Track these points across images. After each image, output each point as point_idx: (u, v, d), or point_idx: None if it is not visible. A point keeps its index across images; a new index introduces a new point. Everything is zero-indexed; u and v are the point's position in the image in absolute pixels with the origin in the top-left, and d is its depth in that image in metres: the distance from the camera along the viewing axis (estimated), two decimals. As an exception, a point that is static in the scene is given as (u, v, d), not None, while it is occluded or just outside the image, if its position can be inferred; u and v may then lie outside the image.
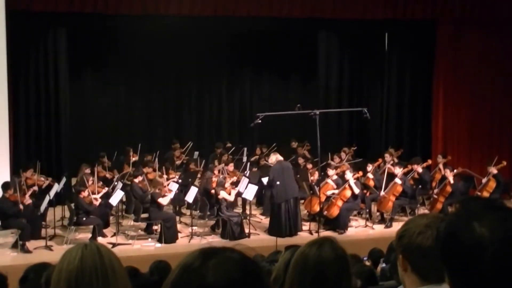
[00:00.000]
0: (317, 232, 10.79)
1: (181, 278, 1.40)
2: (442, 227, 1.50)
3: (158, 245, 10.68)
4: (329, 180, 12.02)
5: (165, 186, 11.39)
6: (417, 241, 2.00)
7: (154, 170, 12.74)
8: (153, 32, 15.71)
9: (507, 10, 14.87)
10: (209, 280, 1.36)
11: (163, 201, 10.94)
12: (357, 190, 11.68)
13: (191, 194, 11.18)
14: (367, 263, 7.02)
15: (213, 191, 11.28)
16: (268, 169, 12.60)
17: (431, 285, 2.00)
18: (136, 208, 11.25)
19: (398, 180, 12.01)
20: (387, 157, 13.64)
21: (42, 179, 12.09)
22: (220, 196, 11.06)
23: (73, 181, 12.81)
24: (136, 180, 11.74)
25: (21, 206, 10.30)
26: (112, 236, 10.89)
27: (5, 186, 10.51)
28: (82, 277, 2.00)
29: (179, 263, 1.45)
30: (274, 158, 11.59)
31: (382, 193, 12.01)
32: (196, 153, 15.23)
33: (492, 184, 12.37)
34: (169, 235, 10.74)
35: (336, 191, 11.79)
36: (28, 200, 10.64)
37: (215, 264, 1.38)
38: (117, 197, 11.06)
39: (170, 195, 11.24)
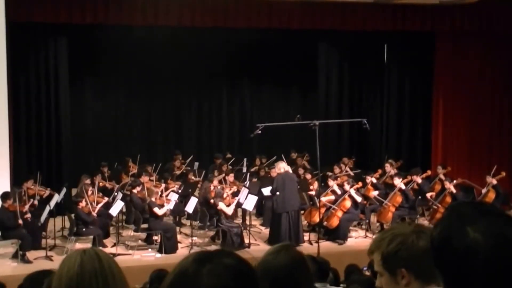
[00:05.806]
0: (317, 242, 10.78)
1: (175, 284, 1.41)
2: (436, 232, 1.51)
3: (158, 255, 10.67)
4: (329, 191, 12.05)
5: (161, 196, 11.38)
6: (420, 245, 1.97)
7: (151, 180, 12.74)
8: (153, 43, 15.75)
9: (506, 23, 14.93)
10: (203, 287, 1.36)
11: (159, 211, 10.90)
12: (359, 199, 11.75)
13: (191, 205, 11.19)
14: (367, 273, 7.03)
15: (212, 200, 11.28)
16: (268, 179, 12.60)
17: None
18: (136, 219, 11.25)
19: (402, 185, 12.03)
20: (387, 167, 13.66)
21: (42, 189, 12.11)
22: (218, 208, 11.06)
23: (73, 191, 12.82)
24: (135, 191, 11.74)
25: (20, 220, 10.25)
26: (112, 247, 10.87)
27: (4, 196, 10.47)
28: (82, 282, 2.01)
29: (174, 268, 1.45)
30: (282, 168, 11.55)
31: (381, 199, 12.07)
32: (196, 163, 15.22)
33: (492, 195, 12.34)
34: (169, 246, 10.73)
35: (333, 197, 11.83)
36: (27, 212, 10.60)
37: (209, 271, 1.38)
38: (117, 207, 11.06)
39: (169, 205, 11.24)
